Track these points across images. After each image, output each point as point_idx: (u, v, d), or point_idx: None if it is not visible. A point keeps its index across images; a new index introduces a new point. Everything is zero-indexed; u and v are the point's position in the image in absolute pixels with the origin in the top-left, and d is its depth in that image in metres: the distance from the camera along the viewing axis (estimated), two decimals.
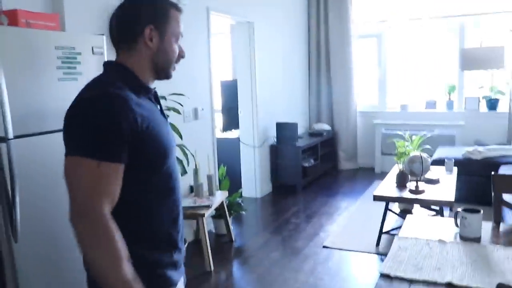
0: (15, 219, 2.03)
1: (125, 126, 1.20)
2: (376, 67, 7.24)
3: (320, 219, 4.83)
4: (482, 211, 1.93)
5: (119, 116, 1.20)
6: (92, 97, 1.24)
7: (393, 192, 3.96)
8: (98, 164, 1.18)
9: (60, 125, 2.32)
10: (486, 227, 2.09)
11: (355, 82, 7.10)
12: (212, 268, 3.71)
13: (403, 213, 4.49)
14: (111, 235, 1.18)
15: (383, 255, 3.83)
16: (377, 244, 4.04)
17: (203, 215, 3.65)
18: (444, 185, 4.10)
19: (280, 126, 5.95)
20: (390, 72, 7.21)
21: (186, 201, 3.77)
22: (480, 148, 5.39)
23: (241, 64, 5.67)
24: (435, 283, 1.55)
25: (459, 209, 1.99)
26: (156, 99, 1.45)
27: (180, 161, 3.60)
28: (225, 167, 4.75)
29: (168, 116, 1.48)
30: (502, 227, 2.12)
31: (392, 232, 4.12)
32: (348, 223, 4.66)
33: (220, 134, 5.72)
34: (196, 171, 3.96)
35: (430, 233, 2.00)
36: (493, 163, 5.07)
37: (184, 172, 3.61)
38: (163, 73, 1.41)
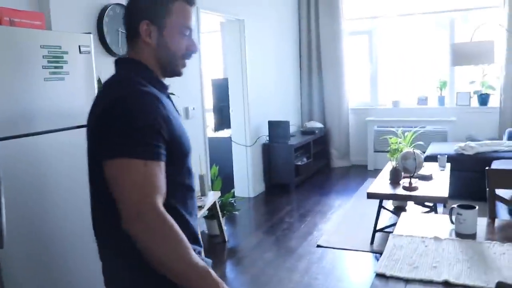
0: (1, 223, 1.97)
1: (162, 123, 1.21)
2: (367, 63, 7.22)
3: (313, 218, 4.80)
4: (477, 207, 1.91)
5: (156, 113, 1.20)
6: (128, 95, 1.22)
7: (387, 189, 3.94)
8: (144, 163, 1.17)
9: (47, 125, 2.30)
10: (481, 223, 2.06)
11: (347, 79, 7.09)
12: None
13: (397, 210, 4.47)
14: (174, 228, 1.17)
15: (377, 253, 3.80)
16: (371, 242, 4.01)
17: None
18: (438, 181, 4.08)
19: (272, 125, 5.91)
20: (381, 69, 7.20)
21: None
22: (472, 144, 5.38)
23: (231, 62, 5.62)
24: (431, 282, 1.51)
25: (454, 206, 1.96)
26: (168, 94, 1.43)
27: None
28: (217, 167, 4.70)
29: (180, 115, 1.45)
30: (497, 222, 2.10)
31: (386, 230, 4.09)
32: (342, 222, 4.64)
33: (211, 134, 5.68)
34: None
35: (425, 231, 1.97)
36: (485, 158, 5.06)
37: None
38: (169, 70, 1.37)
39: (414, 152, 3.94)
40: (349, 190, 5.82)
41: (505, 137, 5.75)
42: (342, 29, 6.94)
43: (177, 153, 1.29)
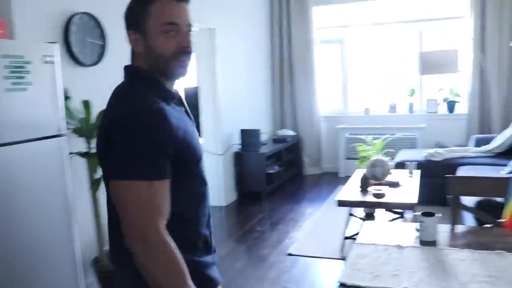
0: None
1: (168, 141, 1.20)
2: (339, 72, 7.31)
3: (285, 226, 4.81)
4: (438, 214, 1.94)
5: (163, 133, 1.19)
6: (131, 114, 1.19)
7: (356, 196, 3.98)
8: (149, 184, 1.16)
9: (10, 137, 2.26)
10: (444, 230, 2.10)
11: (318, 87, 7.15)
12: None
13: (368, 217, 4.51)
14: (173, 254, 1.17)
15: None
16: (341, 249, 4.04)
17: None
18: (407, 187, 4.14)
19: (244, 133, 5.91)
20: (352, 77, 7.29)
21: None
22: (440, 150, 5.48)
23: (202, 71, 5.62)
24: None
25: (417, 213, 1.99)
26: (179, 100, 1.40)
27: None
28: None
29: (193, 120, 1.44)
30: (459, 229, 2.14)
31: (355, 237, 4.12)
32: (313, 229, 4.66)
33: None
34: None
35: (389, 239, 2.00)
36: (453, 165, 5.16)
37: None
38: (166, 73, 1.32)
39: (382, 159, 4.00)
40: (321, 198, 5.85)
41: (471, 143, 5.88)
42: (313, 37, 7.02)
43: (187, 161, 1.29)
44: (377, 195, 3.87)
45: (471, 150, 5.55)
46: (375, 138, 4.61)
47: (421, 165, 5.05)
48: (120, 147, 1.18)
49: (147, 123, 1.18)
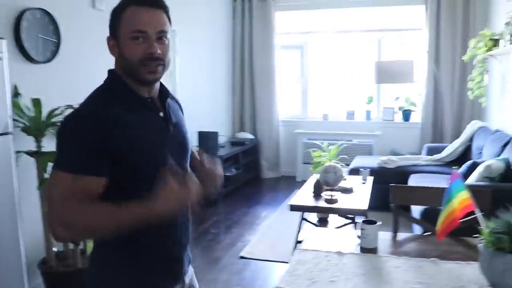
0: None
1: (94, 142, 1.26)
2: (298, 77, 7.40)
3: (239, 229, 4.83)
4: (379, 222, 2.00)
5: (88, 134, 1.26)
6: (71, 116, 1.31)
7: (309, 201, 4.03)
8: (73, 177, 1.25)
9: None
10: (386, 237, 2.17)
11: (278, 92, 7.22)
12: None
13: (320, 222, 4.59)
14: (91, 208, 1.25)
15: None
16: (293, 253, 4.08)
17: None
18: (359, 194, 4.21)
19: (201, 135, 5.91)
20: (312, 83, 7.40)
21: None
22: (394, 158, 5.62)
23: None
24: None
25: (359, 221, 2.05)
26: (151, 106, 1.43)
27: None
28: None
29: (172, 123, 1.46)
30: (400, 236, 2.21)
31: None
32: (266, 233, 4.70)
33: None
34: None
35: (333, 245, 2.04)
36: (405, 172, 5.31)
37: None
38: (137, 78, 1.37)
39: (334, 165, 4.07)
40: (277, 201, 5.90)
41: (424, 152, 6.06)
42: (274, 43, 7.08)
43: (132, 164, 1.32)
44: (328, 201, 3.93)
45: (423, 158, 5.72)
46: (332, 144, 4.69)
47: (374, 172, 5.16)
48: (57, 144, 1.30)
49: (77, 125, 1.29)
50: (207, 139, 5.88)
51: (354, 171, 5.26)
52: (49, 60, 3.46)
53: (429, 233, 2.26)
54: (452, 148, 5.65)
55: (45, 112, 3.09)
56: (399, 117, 6.89)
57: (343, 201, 3.96)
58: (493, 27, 5.61)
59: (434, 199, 2.21)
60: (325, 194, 4.07)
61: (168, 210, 1.25)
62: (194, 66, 5.97)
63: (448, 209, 1.76)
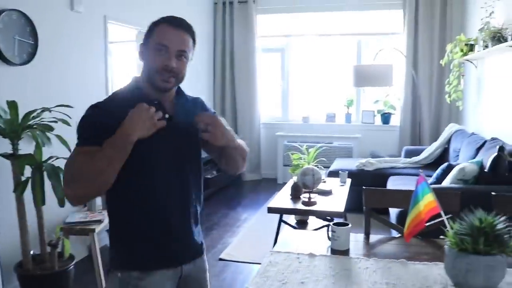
0: None
1: (95, 124, 1.52)
2: (279, 80, 7.44)
3: (219, 232, 4.85)
4: (349, 226, 2.04)
5: (92, 119, 1.55)
6: (89, 107, 1.60)
7: (288, 204, 4.06)
8: (77, 149, 1.53)
9: None
10: (358, 239, 2.21)
11: (259, 94, 7.26)
12: (104, 285, 3.58)
13: (299, 224, 4.62)
14: (88, 157, 1.46)
15: None
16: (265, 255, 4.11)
17: (93, 230, 3.52)
18: (337, 196, 4.26)
19: None
20: (293, 85, 7.45)
21: (77, 216, 3.64)
22: (372, 160, 5.69)
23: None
24: None
25: (330, 223, 2.08)
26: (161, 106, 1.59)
27: None
28: None
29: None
30: (372, 239, 2.25)
31: None
32: (246, 235, 4.72)
33: None
34: None
35: (305, 247, 2.07)
36: (383, 174, 5.38)
37: None
38: (153, 84, 1.60)
39: (313, 168, 4.11)
40: (257, 204, 5.93)
41: (402, 154, 6.14)
42: (255, 46, 7.12)
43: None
44: (306, 203, 3.97)
45: (401, 161, 5.80)
46: (311, 146, 4.73)
47: (353, 174, 5.22)
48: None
49: (87, 112, 1.58)
50: None
51: (334, 174, 5.31)
52: (26, 62, 3.42)
53: (400, 235, 2.30)
54: (430, 150, 5.74)
55: (21, 114, 3.08)
56: (378, 120, 6.98)
57: (321, 203, 4.00)
58: (468, 32, 5.72)
59: (405, 201, 2.25)
60: (303, 197, 4.11)
61: (136, 129, 1.44)
62: None
63: (414, 211, 1.80)
